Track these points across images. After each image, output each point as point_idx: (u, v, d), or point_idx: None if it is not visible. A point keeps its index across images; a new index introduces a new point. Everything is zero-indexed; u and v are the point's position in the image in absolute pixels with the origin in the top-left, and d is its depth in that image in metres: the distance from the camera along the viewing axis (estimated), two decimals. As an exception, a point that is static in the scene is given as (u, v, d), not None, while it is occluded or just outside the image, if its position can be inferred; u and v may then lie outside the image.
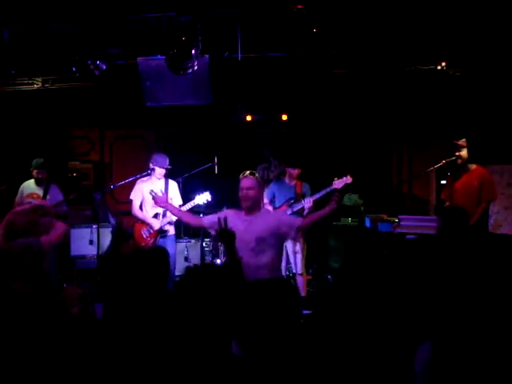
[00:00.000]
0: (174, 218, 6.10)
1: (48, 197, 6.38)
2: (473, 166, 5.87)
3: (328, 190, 6.07)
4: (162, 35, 5.67)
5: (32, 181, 6.51)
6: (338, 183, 6.04)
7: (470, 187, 5.78)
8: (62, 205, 6.45)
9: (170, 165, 6.08)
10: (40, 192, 6.42)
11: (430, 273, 3.03)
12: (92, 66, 5.99)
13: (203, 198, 6.08)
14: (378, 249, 2.73)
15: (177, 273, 5.56)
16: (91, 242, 6.74)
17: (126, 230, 3.67)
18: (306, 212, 6.15)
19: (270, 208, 6.34)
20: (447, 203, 6.05)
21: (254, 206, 4.06)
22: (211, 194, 6.14)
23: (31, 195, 6.46)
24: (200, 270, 2.06)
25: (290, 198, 6.29)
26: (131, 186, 6.28)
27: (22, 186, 6.56)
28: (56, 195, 6.45)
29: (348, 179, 6.06)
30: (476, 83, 6.88)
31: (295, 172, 6.33)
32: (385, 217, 7.64)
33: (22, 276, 2.92)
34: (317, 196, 6.14)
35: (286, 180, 6.44)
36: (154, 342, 2.38)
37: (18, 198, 6.53)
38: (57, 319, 2.67)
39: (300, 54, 5.70)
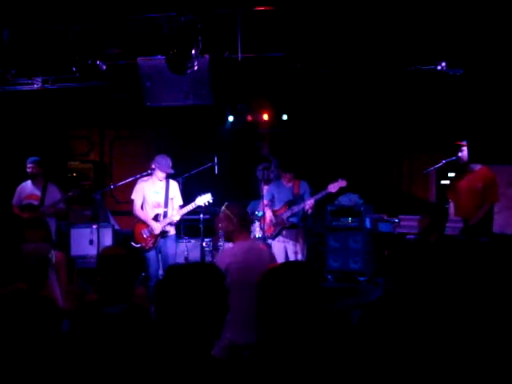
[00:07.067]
0: (176, 219, 6.09)
1: (46, 197, 6.38)
2: (477, 167, 5.85)
3: (324, 193, 6.14)
4: (162, 35, 5.67)
5: (29, 182, 6.51)
6: (332, 187, 6.10)
7: (474, 188, 5.76)
8: (60, 203, 6.45)
9: (172, 167, 6.08)
10: (38, 192, 6.42)
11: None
12: (92, 67, 5.99)
13: (204, 199, 6.05)
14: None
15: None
16: (91, 242, 6.73)
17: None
18: (309, 212, 6.18)
19: (268, 209, 6.35)
20: (451, 203, 6.05)
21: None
22: (211, 194, 6.12)
23: (30, 196, 6.46)
24: (182, 270, 2.04)
25: (289, 201, 6.30)
26: (131, 185, 6.27)
27: (18, 187, 6.55)
28: (54, 194, 6.45)
29: (342, 183, 6.11)
30: (476, 83, 6.86)
31: (287, 176, 6.36)
32: (385, 217, 7.63)
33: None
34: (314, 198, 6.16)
35: (284, 181, 6.44)
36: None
37: (14, 200, 6.52)
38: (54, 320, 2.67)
39: (300, 54, 5.69)
